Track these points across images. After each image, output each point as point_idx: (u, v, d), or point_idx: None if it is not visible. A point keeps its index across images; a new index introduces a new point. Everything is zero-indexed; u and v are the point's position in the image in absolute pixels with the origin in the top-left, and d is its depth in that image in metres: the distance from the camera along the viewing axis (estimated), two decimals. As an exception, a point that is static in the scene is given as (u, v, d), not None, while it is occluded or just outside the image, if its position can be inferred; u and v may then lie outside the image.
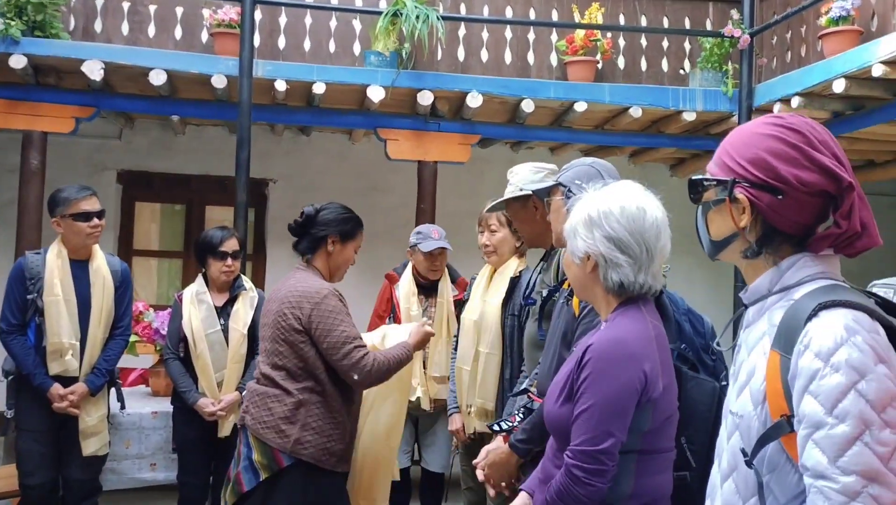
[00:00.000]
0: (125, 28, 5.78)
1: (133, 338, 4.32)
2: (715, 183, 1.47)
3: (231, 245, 4.10)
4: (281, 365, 3.00)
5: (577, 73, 6.06)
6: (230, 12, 5.57)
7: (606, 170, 2.59)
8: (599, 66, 6.16)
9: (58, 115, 5.68)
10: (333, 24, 6.02)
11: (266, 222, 7.54)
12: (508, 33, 6.24)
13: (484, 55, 6.18)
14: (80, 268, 3.86)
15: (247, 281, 4.28)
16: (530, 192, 2.94)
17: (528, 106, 5.89)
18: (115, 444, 4.20)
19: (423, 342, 3.31)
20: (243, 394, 4.03)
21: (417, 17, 5.43)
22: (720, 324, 1.91)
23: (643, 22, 6.48)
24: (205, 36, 5.82)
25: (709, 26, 6.42)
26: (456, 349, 3.95)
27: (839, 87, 5.01)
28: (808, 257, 1.41)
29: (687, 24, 6.45)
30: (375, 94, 5.63)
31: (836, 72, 5.00)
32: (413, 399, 4.01)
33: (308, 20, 5.99)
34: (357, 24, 6.04)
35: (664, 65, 6.46)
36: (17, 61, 5.20)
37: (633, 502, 1.93)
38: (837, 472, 1.21)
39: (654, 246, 1.97)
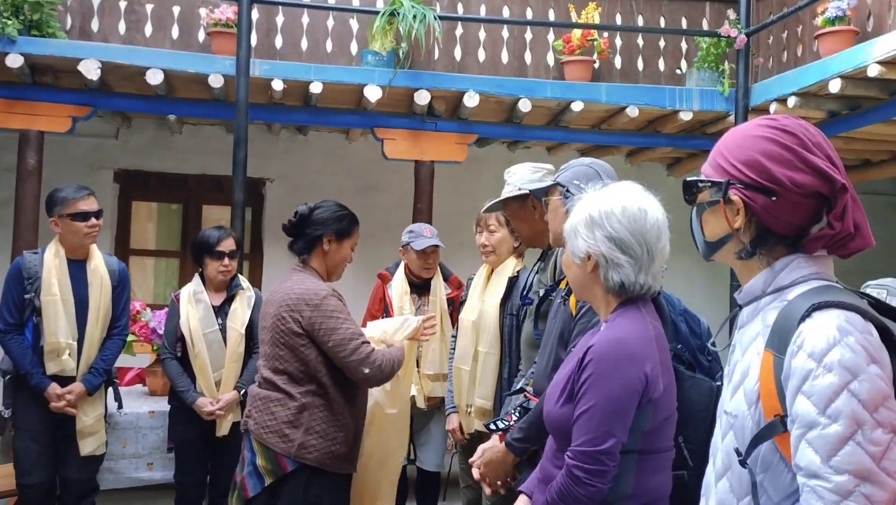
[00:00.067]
0: (122, 27, 5.77)
1: (130, 337, 4.32)
2: (709, 184, 1.49)
3: (228, 245, 4.10)
4: (282, 369, 2.97)
5: (574, 73, 6.07)
6: (227, 12, 5.57)
7: (604, 170, 2.60)
8: (596, 65, 6.17)
9: (54, 115, 5.67)
10: (330, 23, 6.02)
11: (263, 222, 7.54)
12: (505, 33, 6.25)
13: (481, 55, 6.19)
14: (77, 267, 3.86)
15: (244, 280, 4.28)
16: (528, 192, 2.95)
17: (524, 105, 5.90)
18: (112, 443, 4.20)
19: (416, 335, 3.32)
20: (241, 393, 4.05)
21: (414, 16, 5.44)
22: (717, 324, 1.92)
23: (640, 22, 6.49)
24: (202, 35, 5.82)
25: (705, 26, 6.43)
26: (453, 349, 3.96)
27: (835, 87, 5.02)
28: (801, 258, 1.43)
29: (683, 24, 6.47)
30: (372, 93, 5.63)
31: (832, 72, 5.02)
32: None
33: (305, 20, 5.99)
34: (354, 24, 6.05)
35: (661, 64, 6.48)
36: (14, 60, 5.20)
37: (633, 502, 1.94)
38: (830, 471, 1.23)
39: (655, 246, 1.98)
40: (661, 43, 6.51)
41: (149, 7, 5.81)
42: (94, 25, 5.74)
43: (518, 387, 2.90)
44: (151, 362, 4.94)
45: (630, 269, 1.97)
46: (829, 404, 1.24)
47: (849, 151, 6.49)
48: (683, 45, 6.53)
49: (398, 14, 5.50)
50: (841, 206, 1.38)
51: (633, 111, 6.01)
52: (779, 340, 1.33)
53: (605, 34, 6.18)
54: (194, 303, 4.07)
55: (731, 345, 1.53)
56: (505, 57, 6.21)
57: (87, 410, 3.88)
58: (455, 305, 4.42)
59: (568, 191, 2.52)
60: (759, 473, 1.37)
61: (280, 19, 5.97)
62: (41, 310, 3.76)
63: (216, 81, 5.49)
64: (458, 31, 6.19)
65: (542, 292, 2.81)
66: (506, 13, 6.30)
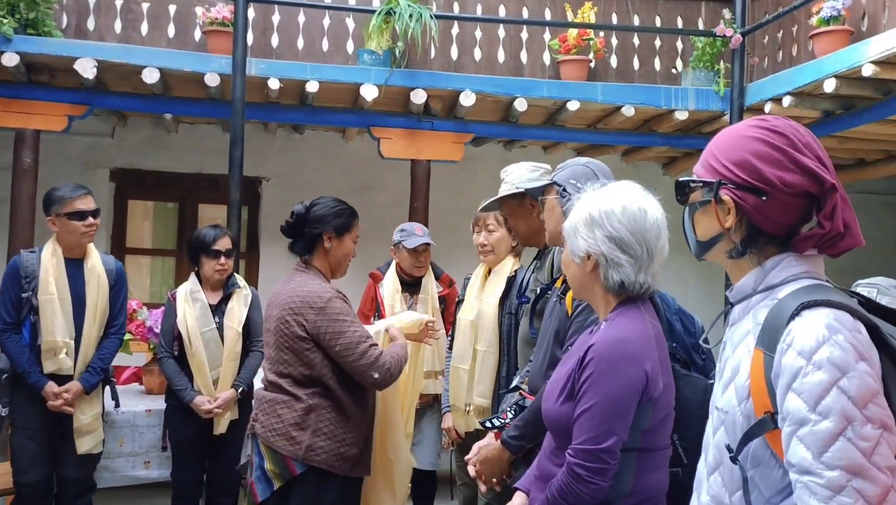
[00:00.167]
0: (118, 26, 5.77)
1: (126, 336, 4.33)
2: (701, 185, 1.50)
3: (224, 244, 4.11)
4: (286, 373, 2.92)
5: (570, 72, 6.08)
6: (223, 10, 5.57)
7: (601, 170, 2.61)
8: (592, 65, 6.18)
9: (50, 113, 5.66)
10: (327, 22, 6.02)
11: (259, 220, 7.54)
12: (501, 32, 6.25)
13: (477, 54, 6.20)
14: (74, 266, 3.87)
15: (240, 279, 4.29)
16: (525, 191, 2.96)
17: (520, 105, 5.91)
18: (109, 442, 4.20)
19: (420, 336, 3.31)
20: (239, 391, 4.07)
21: (411, 15, 5.44)
22: (711, 323, 1.93)
23: (636, 21, 6.50)
24: (198, 34, 5.81)
25: (701, 26, 6.44)
26: (449, 347, 3.97)
27: (830, 86, 5.04)
28: (792, 257, 1.44)
29: (679, 24, 6.48)
30: (369, 92, 5.64)
31: (827, 71, 5.03)
32: None
33: (301, 18, 5.99)
34: (350, 23, 6.05)
35: (656, 64, 6.49)
36: (10, 59, 5.19)
37: (633, 499, 1.96)
38: (822, 467, 1.24)
39: (655, 246, 2.00)
40: (657, 42, 6.52)
41: (145, 6, 5.80)
42: (90, 24, 5.73)
43: (513, 385, 2.91)
44: (148, 361, 4.94)
45: (630, 268, 1.98)
46: (820, 401, 1.26)
47: (843, 151, 6.52)
48: (679, 45, 6.54)
49: (394, 13, 5.50)
50: (830, 206, 1.39)
51: (628, 110, 6.03)
52: (769, 338, 1.35)
53: (601, 33, 6.19)
54: (191, 301, 4.07)
55: (722, 342, 1.54)
56: (501, 56, 6.22)
57: (84, 409, 3.88)
58: (447, 304, 4.43)
59: (564, 190, 2.53)
60: (749, 468, 1.39)
61: (276, 18, 5.97)
62: (38, 309, 3.77)
63: (212, 80, 5.49)
64: (455, 30, 6.19)
65: (538, 291, 2.83)
66: (502, 12, 6.31)
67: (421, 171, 6.18)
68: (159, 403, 4.37)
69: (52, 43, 5.35)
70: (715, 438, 1.48)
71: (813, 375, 1.27)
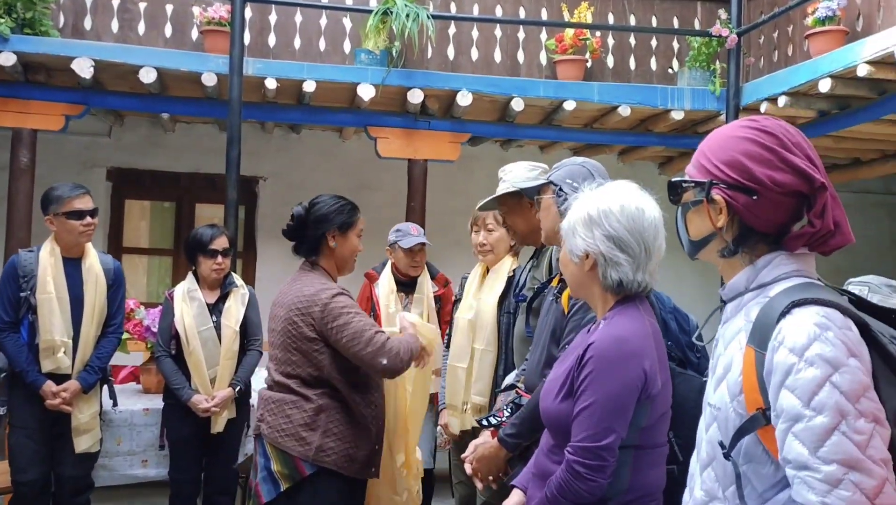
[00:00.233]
0: (115, 26, 5.77)
1: (124, 335, 4.33)
2: (693, 185, 1.52)
3: (221, 243, 4.12)
4: (295, 374, 2.87)
5: (567, 72, 6.09)
6: (220, 10, 5.57)
7: (597, 169, 2.62)
8: (588, 64, 6.20)
9: (47, 113, 5.67)
10: (324, 22, 6.03)
11: (256, 220, 7.55)
12: (498, 32, 6.26)
13: (474, 54, 6.21)
14: (72, 266, 3.87)
15: (238, 278, 4.30)
16: (520, 190, 2.97)
17: (517, 104, 5.92)
18: (106, 440, 4.21)
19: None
20: (236, 389, 4.07)
21: (408, 15, 5.45)
22: (704, 320, 1.95)
23: (632, 21, 6.52)
24: (195, 34, 5.82)
25: (697, 26, 6.47)
26: (447, 347, 3.97)
27: (825, 86, 5.06)
28: (783, 256, 1.46)
29: (675, 24, 6.50)
30: (366, 92, 5.65)
31: (822, 71, 5.06)
32: None
33: (298, 18, 6.00)
34: (347, 23, 6.06)
35: (653, 64, 6.51)
36: (7, 59, 5.20)
37: (630, 496, 1.97)
38: (819, 462, 1.26)
39: (652, 245, 2.01)
40: (653, 42, 6.54)
41: (142, 5, 5.80)
42: (87, 24, 5.73)
43: (508, 383, 2.92)
44: (145, 360, 4.95)
45: (628, 267, 1.99)
46: (813, 397, 1.27)
47: (839, 150, 6.54)
48: (675, 45, 6.56)
49: (391, 13, 5.51)
50: (821, 205, 1.41)
51: (624, 110, 6.04)
52: (760, 336, 1.37)
53: (598, 33, 6.21)
54: (188, 301, 4.08)
55: (715, 339, 1.56)
56: (498, 56, 6.23)
57: (82, 408, 3.89)
58: (442, 303, 4.44)
59: (561, 189, 2.55)
60: (742, 464, 1.40)
61: (273, 18, 5.98)
62: (36, 308, 3.78)
63: (209, 80, 5.49)
64: (451, 30, 6.20)
65: (535, 289, 2.84)
66: (498, 12, 6.32)
67: (418, 171, 6.19)
68: (157, 402, 4.37)
69: (49, 42, 5.35)
70: (708, 434, 1.50)
71: (806, 372, 1.28)
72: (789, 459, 1.29)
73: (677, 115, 6.11)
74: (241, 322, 4.12)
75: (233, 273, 4.29)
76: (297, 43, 5.97)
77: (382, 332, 2.89)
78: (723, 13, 6.29)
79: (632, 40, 6.49)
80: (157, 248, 7.74)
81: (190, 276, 4.20)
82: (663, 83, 6.34)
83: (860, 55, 4.74)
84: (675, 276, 6.77)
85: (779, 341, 1.33)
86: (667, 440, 2.07)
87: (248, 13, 5.70)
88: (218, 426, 4.04)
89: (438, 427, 4.02)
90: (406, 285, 4.40)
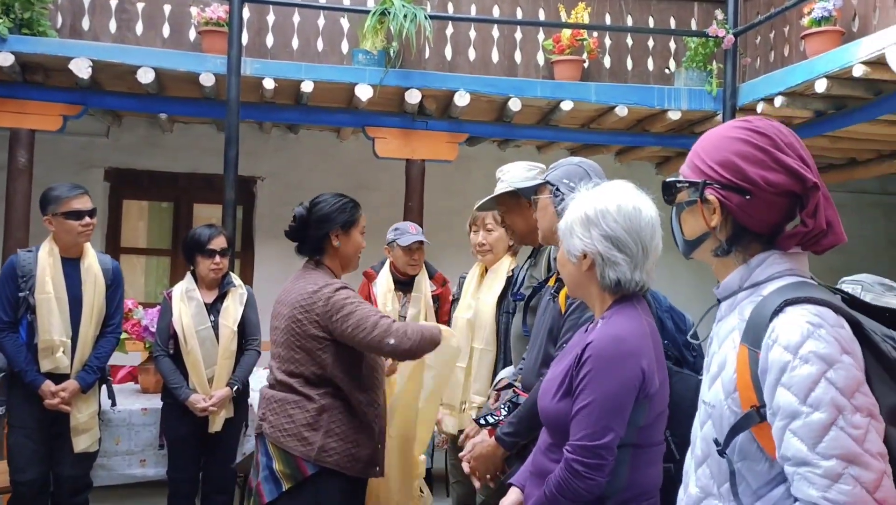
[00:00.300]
0: (113, 26, 5.77)
1: (122, 335, 4.34)
2: (687, 185, 1.53)
3: (219, 243, 4.13)
4: (298, 372, 2.86)
5: (564, 73, 6.11)
6: (218, 10, 5.58)
7: (593, 169, 2.63)
8: (586, 65, 6.21)
9: (45, 113, 5.67)
10: (321, 22, 6.04)
11: (254, 220, 7.56)
12: (496, 32, 6.28)
13: (471, 54, 6.22)
14: (71, 266, 3.88)
15: (236, 278, 4.31)
16: (517, 190, 2.98)
17: (514, 105, 5.94)
18: (105, 440, 4.22)
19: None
20: (234, 389, 4.08)
21: (405, 15, 5.46)
22: (699, 318, 1.96)
23: (629, 22, 6.54)
24: (193, 34, 5.83)
25: (694, 26, 6.48)
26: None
27: (821, 86, 5.08)
28: (776, 255, 1.47)
29: (672, 24, 6.51)
30: (363, 92, 5.66)
31: (819, 72, 5.07)
32: None
33: (296, 18, 6.01)
34: (345, 23, 6.07)
35: (650, 64, 6.52)
36: (5, 59, 5.20)
37: (628, 494, 1.98)
38: (818, 457, 1.27)
39: (650, 244, 2.02)
40: (650, 43, 6.55)
41: (140, 6, 5.81)
42: (85, 24, 5.73)
43: (506, 382, 2.92)
44: (143, 360, 4.96)
45: (626, 266, 2.00)
46: (809, 394, 1.29)
47: (835, 151, 6.56)
48: (672, 45, 6.58)
49: (389, 13, 5.52)
50: (813, 204, 1.42)
51: (622, 110, 6.06)
52: (753, 335, 1.38)
53: (595, 34, 6.23)
54: (186, 301, 4.09)
55: (710, 338, 1.57)
56: (495, 56, 6.24)
57: (80, 408, 3.89)
58: (440, 302, 4.45)
59: (557, 189, 2.56)
60: (737, 461, 1.42)
61: (271, 18, 5.98)
62: (35, 308, 3.78)
63: (207, 80, 5.50)
64: (449, 30, 6.21)
65: (532, 288, 2.84)
66: (496, 13, 6.34)
67: (415, 171, 6.20)
68: (155, 402, 4.38)
69: (46, 43, 5.35)
70: (703, 432, 1.51)
71: (801, 369, 1.30)
72: (788, 456, 1.31)
73: (674, 116, 6.13)
74: (239, 322, 4.13)
75: (231, 273, 4.30)
76: (294, 43, 5.98)
77: (387, 316, 2.87)
78: (719, 14, 6.31)
79: (629, 41, 6.51)
80: (155, 249, 7.75)
81: (188, 276, 4.20)
82: (660, 83, 6.35)
83: (856, 56, 4.76)
84: (671, 275, 6.77)
85: (772, 339, 1.34)
86: (663, 439, 2.08)
87: (245, 13, 5.70)
88: (215, 426, 4.04)
89: (435, 427, 4.03)
90: (404, 284, 4.41)
